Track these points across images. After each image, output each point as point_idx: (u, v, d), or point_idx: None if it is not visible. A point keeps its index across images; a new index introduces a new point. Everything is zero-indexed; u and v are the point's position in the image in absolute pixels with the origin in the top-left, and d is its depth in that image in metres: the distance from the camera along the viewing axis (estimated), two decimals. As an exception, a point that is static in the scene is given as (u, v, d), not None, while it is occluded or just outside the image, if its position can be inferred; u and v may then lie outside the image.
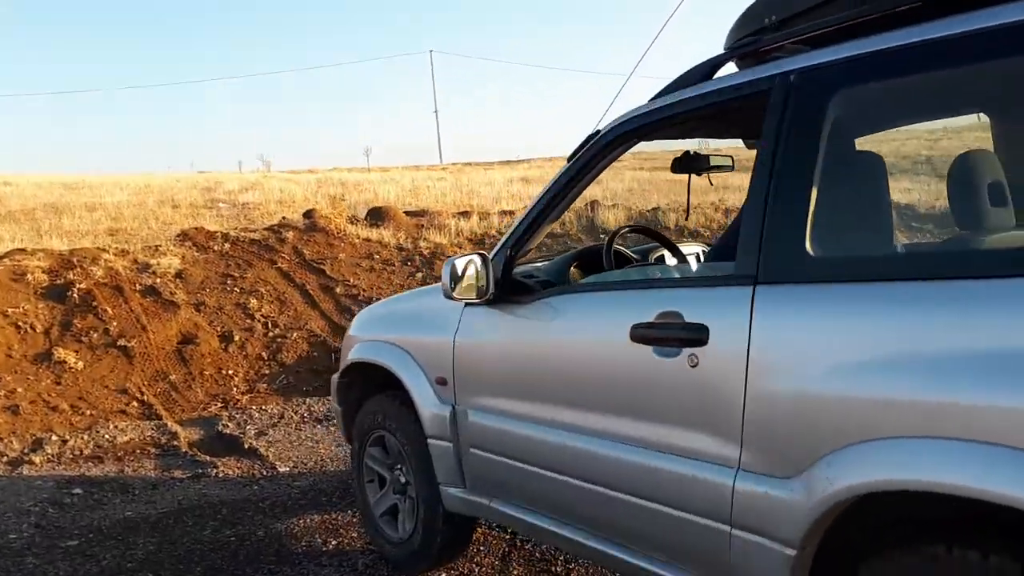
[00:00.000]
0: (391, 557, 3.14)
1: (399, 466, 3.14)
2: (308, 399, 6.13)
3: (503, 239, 2.58)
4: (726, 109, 2.10)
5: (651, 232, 3.10)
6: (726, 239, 2.47)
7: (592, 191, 14.83)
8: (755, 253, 1.80)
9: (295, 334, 7.14)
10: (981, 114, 2.70)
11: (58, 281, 7.41)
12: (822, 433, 1.60)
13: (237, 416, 5.79)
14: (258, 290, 7.81)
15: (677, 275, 2.67)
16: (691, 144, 2.93)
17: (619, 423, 2.07)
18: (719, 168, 2.99)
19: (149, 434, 5.43)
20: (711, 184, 2.93)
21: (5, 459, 4.97)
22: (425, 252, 8.97)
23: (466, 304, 2.66)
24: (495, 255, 2.54)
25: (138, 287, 7.54)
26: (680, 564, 2.00)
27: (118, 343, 6.60)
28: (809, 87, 1.79)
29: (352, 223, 9.74)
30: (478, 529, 3.32)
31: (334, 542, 3.53)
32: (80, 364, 6.30)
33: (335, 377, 3.54)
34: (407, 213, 10.71)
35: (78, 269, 7.62)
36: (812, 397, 1.62)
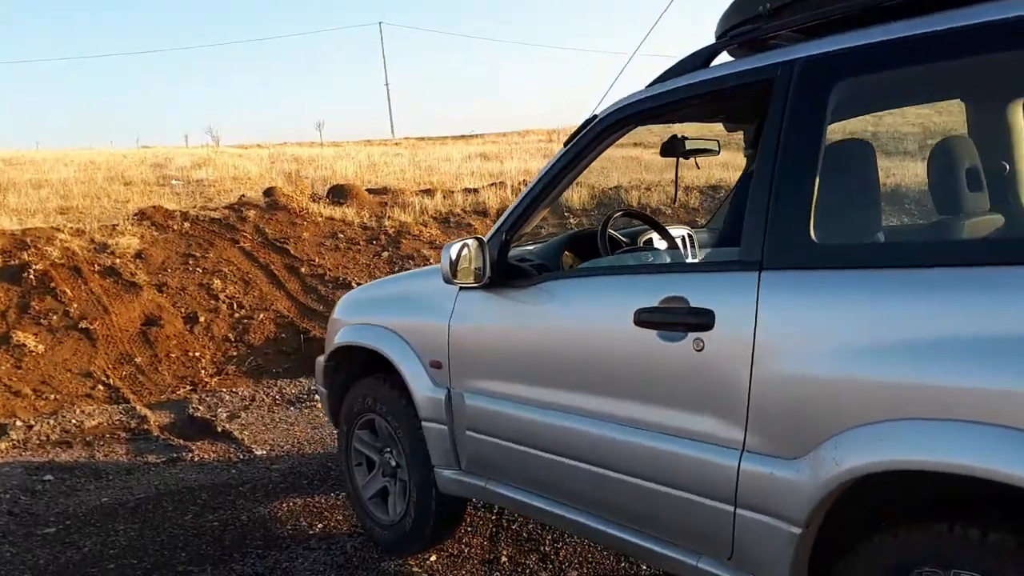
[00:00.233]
0: (381, 539, 3.17)
1: (389, 449, 3.15)
2: (279, 381, 6.09)
3: (498, 223, 2.59)
4: (727, 96, 2.14)
5: (642, 216, 3.15)
6: (726, 221, 2.52)
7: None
8: (760, 239, 1.85)
9: (261, 315, 7.06)
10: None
11: (12, 262, 7.18)
12: (829, 415, 1.66)
13: (207, 399, 5.72)
14: (221, 270, 7.68)
15: (677, 260, 2.72)
16: (677, 128, 2.97)
17: (622, 406, 2.12)
18: (706, 152, 3.05)
19: (118, 418, 5.34)
20: (698, 167, 2.98)
21: (-32, 446, 4.85)
22: (390, 231, 8.91)
23: (461, 288, 2.68)
24: (490, 239, 2.55)
25: (97, 268, 7.35)
26: (681, 542, 2.06)
27: (79, 325, 6.45)
28: (814, 76, 1.83)
29: (314, 201, 9.61)
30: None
31: (320, 525, 3.54)
32: (41, 347, 6.14)
33: (320, 359, 3.53)
34: (369, 191, 10.60)
35: (32, 249, 7.39)
36: (819, 380, 1.68)
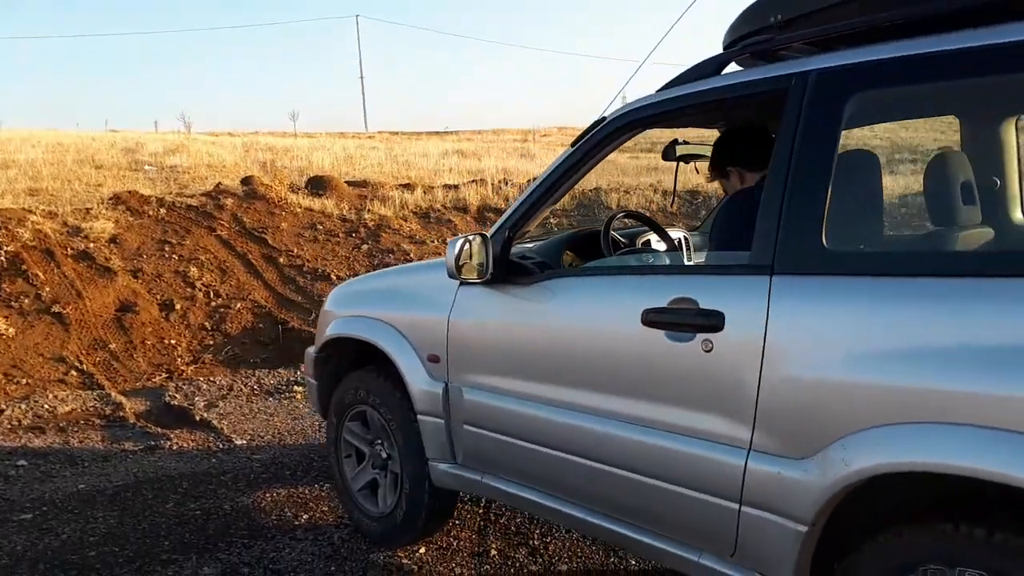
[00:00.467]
0: (370, 531, 3.17)
1: (380, 441, 3.15)
2: (257, 371, 6.04)
3: (501, 220, 2.61)
4: (737, 104, 2.18)
5: (643, 217, 3.19)
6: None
7: (534, 168, 14.92)
8: (771, 245, 1.89)
9: (238, 304, 6.99)
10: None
11: (-18, 242, 7.02)
12: (837, 417, 1.71)
13: (184, 387, 5.66)
14: (198, 258, 7.58)
15: (677, 262, 2.77)
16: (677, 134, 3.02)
17: (626, 403, 2.15)
18: (700, 157, 3.09)
19: (92, 404, 5.26)
20: (697, 172, 3.03)
21: (-63, 429, 4.74)
22: (370, 224, 8.87)
23: (462, 283, 2.69)
24: (493, 235, 2.57)
25: (70, 251, 7.22)
26: (683, 539, 2.10)
27: (52, 309, 6.33)
28: (831, 87, 1.87)
29: (293, 192, 9.53)
30: (451, 503, 3.37)
31: (305, 516, 3.52)
32: (11, 331, 6.01)
33: (310, 350, 3.52)
34: (348, 183, 10.53)
35: (3, 231, 7.23)
36: (829, 383, 1.73)
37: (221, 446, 4.56)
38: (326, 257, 8.08)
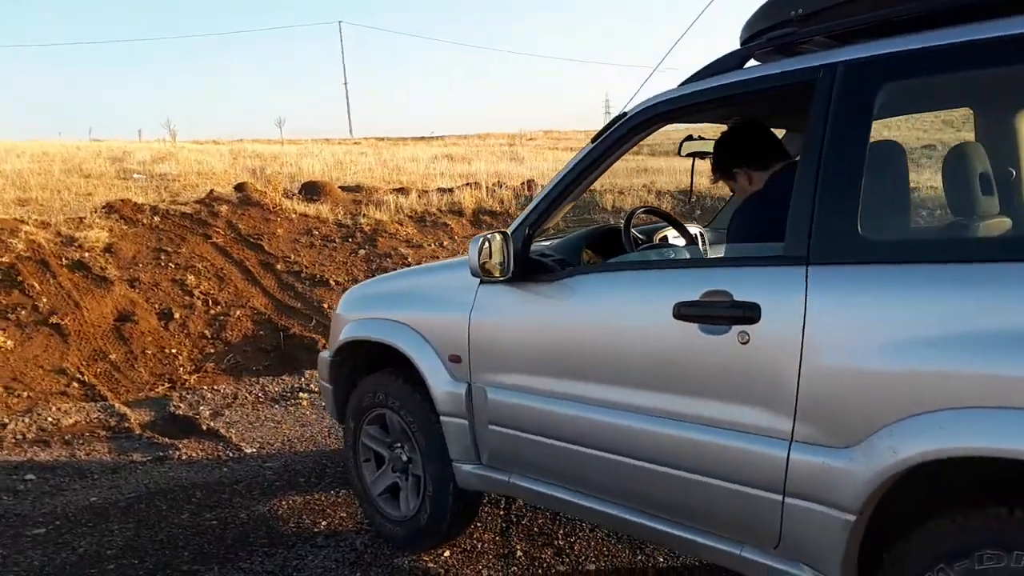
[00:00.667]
0: (392, 535, 3.14)
1: (400, 444, 3.13)
2: (261, 379, 5.99)
3: (521, 217, 2.59)
4: (761, 97, 2.18)
5: (660, 213, 3.18)
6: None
7: (524, 171, 14.93)
8: (805, 235, 1.89)
9: (238, 312, 6.94)
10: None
11: (-25, 255, 6.94)
12: (883, 405, 1.71)
13: (188, 397, 5.61)
14: (195, 266, 7.53)
15: (698, 257, 2.77)
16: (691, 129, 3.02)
17: (661, 398, 2.14)
18: (707, 154, 3.09)
19: (96, 416, 5.20)
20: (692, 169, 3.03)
21: (-59, 445, 4.68)
22: (366, 229, 8.83)
23: (482, 282, 2.67)
24: (514, 233, 2.55)
25: (65, 261, 7.15)
26: (724, 533, 2.09)
27: (50, 321, 6.26)
28: (861, 78, 1.88)
29: (288, 198, 9.48)
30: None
31: (324, 523, 3.50)
32: (10, 343, 5.95)
33: (324, 355, 3.49)
34: (342, 188, 10.49)
35: (-4, 242, 7.14)
36: (873, 371, 1.73)
37: (231, 455, 4.52)
38: (324, 263, 8.04)
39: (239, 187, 9.54)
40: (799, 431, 1.87)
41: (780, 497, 1.91)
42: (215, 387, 5.82)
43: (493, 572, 2.98)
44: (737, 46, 2.47)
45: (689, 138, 2.91)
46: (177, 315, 6.73)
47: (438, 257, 8.39)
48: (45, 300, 6.50)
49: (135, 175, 13.46)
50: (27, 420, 5.07)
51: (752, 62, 2.33)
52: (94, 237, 7.62)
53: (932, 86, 2.13)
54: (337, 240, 8.58)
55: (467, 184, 11.04)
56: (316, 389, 5.76)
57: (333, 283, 7.61)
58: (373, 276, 7.83)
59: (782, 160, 2.61)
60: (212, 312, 6.89)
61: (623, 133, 2.40)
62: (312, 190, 9.86)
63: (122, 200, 8.71)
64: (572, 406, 2.36)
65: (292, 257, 8.03)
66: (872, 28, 2.04)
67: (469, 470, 2.80)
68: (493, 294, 2.63)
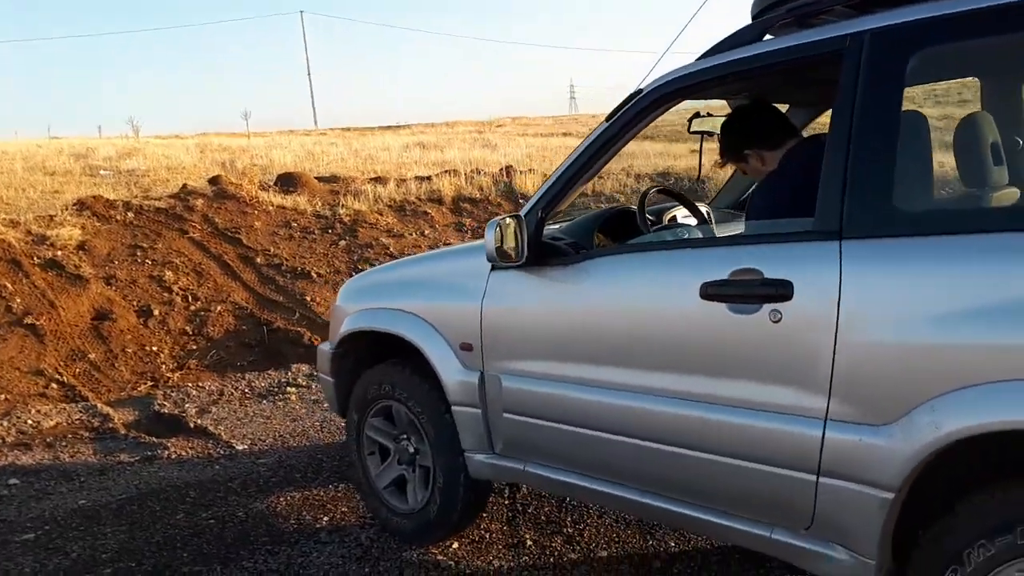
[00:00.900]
0: (400, 529, 3.08)
1: (406, 436, 3.06)
2: (246, 374, 5.86)
3: (533, 200, 2.52)
4: (784, 68, 2.13)
5: (674, 193, 3.13)
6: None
7: (499, 158, 14.83)
8: (837, 209, 1.85)
9: (219, 307, 6.79)
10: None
11: (-58, 255, 6.70)
12: (923, 380, 1.68)
13: (172, 394, 5.47)
14: (172, 261, 7.35)
15: (710, 235, 2.73)
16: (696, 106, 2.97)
17: (688, 380, 2.10)
18: (710, 133, 3.04)
19: (78, 417, 5.05)
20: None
21: (-83, 452, 4.50)
22: (345, 219, 8.69)
23: (493, 268, 2.61)
24: (526, 216, 2.48)
25: (37, 260, 6.93)
26: (754, 515, 2.06)
27: (24, 321, 6.06)
28: (891, 45, 1.84)
29: (264, 190, 9.29)
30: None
31: (326, 518, 3.42)
32: (-17, 345, 5.75)
33: (324, 347, 3.41)
34: (318, 179, 10.32)
35: (-37, 242, 6.91)
36: (913, 346, 1.70)
37: (222, 452, 4.42)
38: (304, 255, 7.90)
39: (213, 180, 9.34)
40: (834, 409, 1.83)
41: (814, 477, 1.88)
42: (199, 384, 5.68)
43: (504, 562, 2.93)
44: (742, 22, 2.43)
45: (697, 115, 2.86)
46: (156, 312, 6.57)
47: (420, 246, 8.29)
48: (19, 300, 6.30)
49: (102, 171, 13.14)
50: (6, 423, 4.90)
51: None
52: (66, 235, 7.40)
53: (962, 52, 2.10)
54: (316, 232, 8.44)
55: (446, 172, 10.92)
56: (304, 383, 5.66)
57: (315, 275, 7.48)
58: (356, 267, 7.73)
59: (793, 137, 2.58)
60: (192, 308, 6.74)
61: (639, 111, 2.33)
62: (288, 182, 9.69)
63: (94, 197, 8.47)
64: (594, 392, 2.31)
65: (271, 250, 7.88)
66: None
67: (482, 460, 2.74)
68: (506, 280, 2.56)
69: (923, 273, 1.72)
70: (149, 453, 4.43)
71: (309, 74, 60.73)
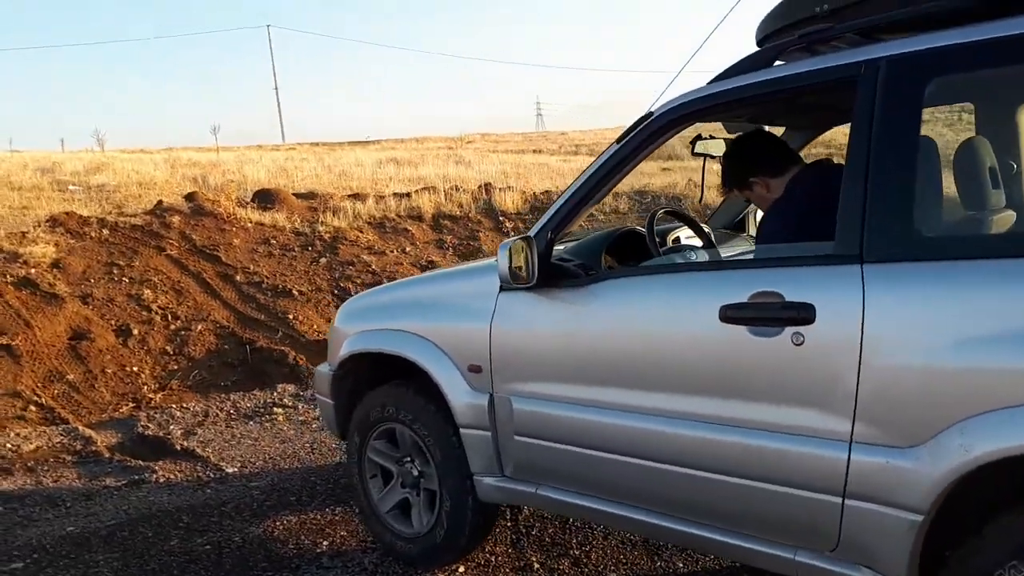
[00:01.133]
0: (405, 553, 3.04)
1: (409, 458, 3.03)
2: (231, 395, 5.78)
3: (542, 221, 2.52)
4: (797, 94, 2.17)
5: (681, 215, 3.16)
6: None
7: (474, 174, 14.84)
8: (858, 233, 1.88)
9: (199, 326, 6.69)
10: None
11: (-89, 274, 6.53)
12: (952, 403, 1.70)
13: (156, 416, 5.37)
14: (150, 280, 7.23)
15: (716, 257, 2.75)
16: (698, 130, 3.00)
17: (709, 403, 2.11)
18: (711, 156, 3.08)
19: (59, 440, 4.93)
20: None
21: None
22: (325, 236, 8.63)
23: (502, 289, 2.60)
24: (536, 237, 2.48)
25: (10, 279, 6.77)
26: (777, 538, 2.06)
27: (-1, 342, 5.92)
28: (907, 73, 1.88)
29: (241, 206, 9.19)
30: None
31: (326, 543, 3.37)
32: (-43, 367, 5.60)
33: (322, 369, 3.37)
34: (296, 195, 10.24)
35: (-67, 260, 6.74)
36: (939, 369, 1.72)
37: (212, 475, 4.34)
38: (285, 272, 7.82)
39: (190, 197, 9.23)
40: (859, 432, 1.85)
41: (840, 500, 1.90)
42: (183, 405, 5.58)
43: (512, 586, 2.91)
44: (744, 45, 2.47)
45: (700, 137, 2.89)
46: (136, 331, 6.45)
47: (402, 263, 8.26)
48: (-8, 319, 6.15)
49: (71, 187, 12.92)
50: (-16, 448, 4.77)
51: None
52: (40, 252, 7.25)
53: (970, 79, 2.15)
54: (296, 249, 8.37)
55: (425, 188, 10.90)
56: (290, 404, 5.59)
57: (296, 293, 7.41)
58: (338, 285, 7.68)
59: (795, 163, 2.62)
60: (172, 327, 6.63)
61: (650, 133, 2.35)
62: (266, 198, 9.60)
63: (67, 213, 8.32)
64: (612, 414, 2.31)
65: (251, 267, 7.79)
66: (903, 24, 2.05)
67: (491, 483, 2.72)
68: (517, 301, 2.56)
69: (946, 297, 1.75)
70: (136, 477, 4.33)
71: (276, 88, 60.24)
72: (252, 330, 6.76)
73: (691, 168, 14.95)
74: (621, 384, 2.29)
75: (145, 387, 5.83)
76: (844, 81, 2.00)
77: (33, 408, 5.35)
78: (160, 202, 9.22)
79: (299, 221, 8.99)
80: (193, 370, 6.12)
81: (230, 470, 4.40)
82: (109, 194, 11.82)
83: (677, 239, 2.99)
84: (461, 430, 2.74)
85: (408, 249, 8.72)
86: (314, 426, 5.13)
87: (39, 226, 7.95)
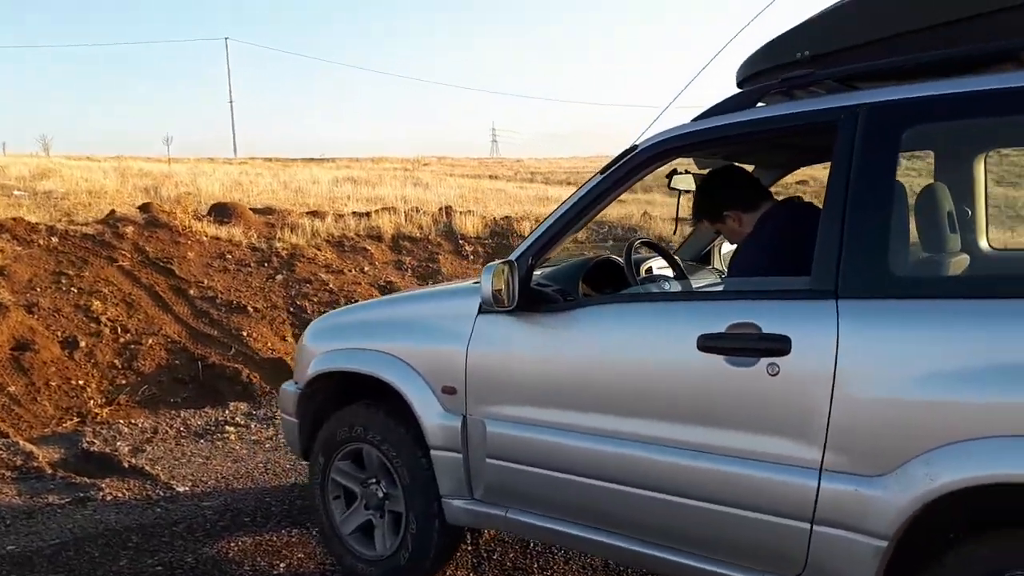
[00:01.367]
0: (366, 575, 3.00)
1: (375, 480, 3.01)
2: (182, 412, 5.64)
3: (524, 246, 2.55)
4: (777, 134, 2.25)
5: (654, 245, 3.22)
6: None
7: (432, 196, 14.86)
8: (833, 270, 1.96)
9: (150, 340, 6.52)
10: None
11: None
12: (918, 434, 1.77)
13: (102, 432, 5.20)
14: (100, 291, 7.03)
15: (687, 288, 2.81)
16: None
17: (683, 430, 2.15)
18: (686, 191, 3.16)
19: (-2, 455, 4.73)
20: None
21: None
22: (283, 253, 8.52)
23: (480, 312, 2.62)
24: (517, 261, 2.50)
25: (-49, 285, 6.53)
26: (745, 562, 2.10)
27: (-63, 350, 5.68)
28: (887, 119, 1.97)
29: (197, 219, 9.03)
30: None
31: (283, 564, 3.30)
32: None
33: (288, 388, 3.32)
34: (253, 211, 10.11)
35: None
36: (908, 402, 1.79)
37: (162, 494, 4.21)
38: (240, 288, 7.69)
39: (144, 207, 9.03)
40: (829, 460, 1.91)
41: (808, 525, 1.95)
42: (131, 421, 5.42)
43: (475, 611, 2.89)
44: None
45: (675, 172, 2.97)
46: (83, 343, 6.26)
47: (360, 283, 8.20)
48: (-70, 326, 5.90)
49: (15, 192, 12.53)
50: (-83, 460, 4.55)
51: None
52: (-17, 258, 7.00)
53: (941, 129, 2.26)
54: (252, 264, 8.24)
55: (384, 209, 10.86)
56: (243, 423, 5.48)
57: (251, 310, 7.28)
58: (294, 302, 7.59)
59: (766, 200, 2.70)
60: (122, 340, 6.45)
61: (633, 166, 2.41)
62: (222, 212, 9.46)
63: (13, 219, 8.06)
64: (586, 439, 2.33)
65: (205, 282, 7.64)
66: (880, 74, 2.15)
67: (460, 505, 2.71)
68: (495, 324, 2.57)
69: (915, 334, 1.82)
70: (81, 494, 4.19)
71: (231, 102, 59.40)
72: (205, 346, 6.62)
73: (643, 201, 15.27)
74: (598, 409, 2.32)
75: (91, 401, 5.65)
76: (825, 125, 2.08)
77: (-29, 420, 5.13)
78: (113, 211, 9.00)
79: (256, 237, 8.86)
80: (142, 385, 5.95)
81: (181, 489, 4.28)
82: (57, 201, 11.49)
83: (650, 269, 3.05)
84: (432, 452, 2.73)
85: (367, 269, 8.66)
86: (267, 446, 5.04)
87: (-18, 231, 7.67)
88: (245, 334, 6.86)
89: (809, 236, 2.21)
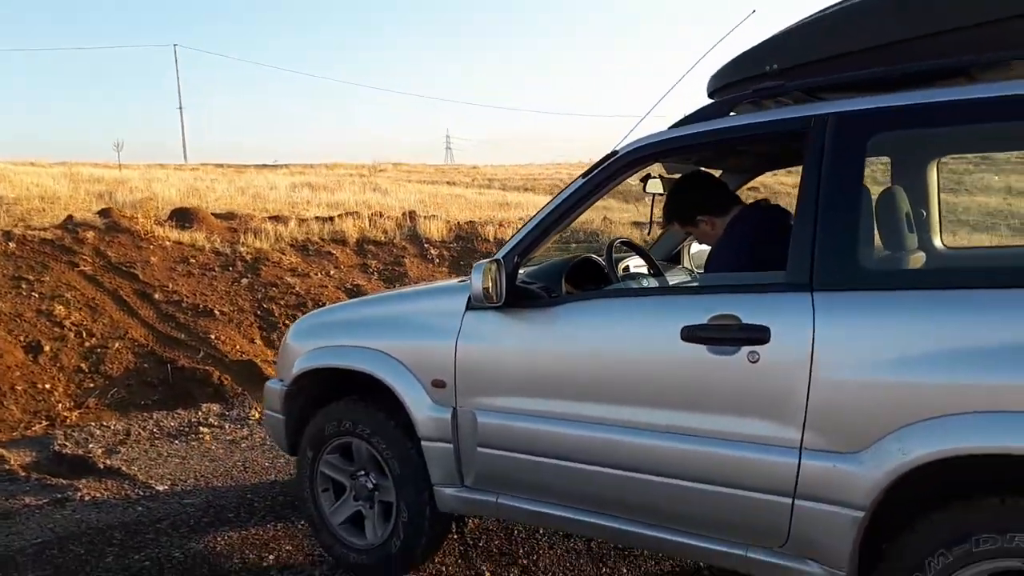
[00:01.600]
0: (358, 565, 3.09)
1: (364, 472, 3.10)
2: (154, 414, 5.63)
3: (510, 245, 2.69)
4: (751, 141, 2.43)
5: (633, 245, 3.38)
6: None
7: (392, 202, 14.90)
8: (807, 264, 2.13)
9: (116, 344, 6.48)
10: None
11: None
12: (891, 413, 1.95)
13: (73, 434, 5.18)
14: (62, 295, 6.95)
15: (664, 284, 2.98)
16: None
17: (669, 415, 2.30)
18: (658, 194, 3.34)
19: (-33, 459, 4.69)
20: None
21: None
22: (247, 257, 8.51)
23: (469, 308, 2.74)
24: (504, 259, 2.63)
25: (-92, 289, 6.40)
26: (730, 537, 2.26)
27: None
28: (854, 128, 2.15)
29: (159, 224, 8.96)
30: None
31: (271, 556, 3.37)
32: None
33: (274, 385, 3.40)
34: (215, 215, 10.05)
35: None
36: (880, 384, 1.97)
37: (142, 493, 4.23)
38: (205, 292, 7.66)
39: (104, 212, 8.92)
40: (808, 439, 2.08)
41: (790, 500, 2.11)
42: (103, 423, 5.40)
43: (464, 596, 3.01)
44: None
45: (649, 176, 3.14)
46: (47, 348, 6.19)
47: (327, 286, 8.23)
48: None
49: (-38, 196, 12.20)
50: None
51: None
52: (-60, 263, 6.87)
53: (899, 137, 2.46)
54: (216, 269, 8.21)
55: (347, 214, 10.89)
56: (216, 423, 5.50)
57: (218, 313, 7.27)
58: (261, 306, 7.60)
59: (736, 204, 2.89)
60: (87, 344, 6.40)
61: (614, 171, 2.56)
62: (184, 217, 9.39)
63: (-31, 222, 7.91)
64: (574, 426, 2.47)
65: (170, 286, 7.60)
66: (846, 85, 2.34)
67: (451, 493, 2.82)
68: (483, 320, 2.70)
69: (884, 321, 2.01)
70: (59, 495, 4.18)
71: (181, 108, 58.30)
72: (173, 349, 6.60)
73: (601, 207, 15.53)
74: (586, 397, 2.46)
75: (59, 405, 5.60)
76: (796, 132, 2.26)
77: (-63, 425, 5.07)
78: (71, 216, 8.87)
79: (219, 241, 8.83)
80: (111, 388, 5.92)
81: (160, 488, 4.31)
82: (9, 207, 11.22)
83: (627, 267, 3.21)
84: (422, 443, 2.83)
85: (332, 272, 8.70)
86: (243, 445, 5.07)
87: (-62, 235, 7.52)
88: (213, 337, 6.85)
89: (779, 235, 2.40)
